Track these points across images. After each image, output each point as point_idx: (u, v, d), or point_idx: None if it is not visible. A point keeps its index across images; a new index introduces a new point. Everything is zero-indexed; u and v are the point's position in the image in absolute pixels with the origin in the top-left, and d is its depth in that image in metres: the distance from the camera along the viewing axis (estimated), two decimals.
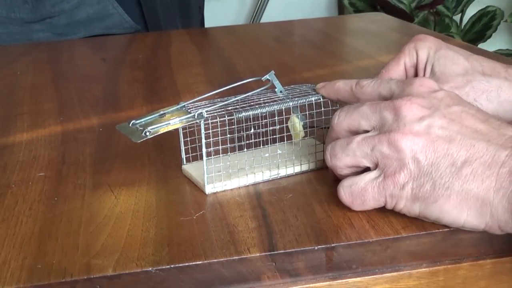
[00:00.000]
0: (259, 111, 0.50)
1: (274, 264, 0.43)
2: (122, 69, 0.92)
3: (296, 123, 0.54)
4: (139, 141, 0.49)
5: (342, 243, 0.43)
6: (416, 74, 0.56)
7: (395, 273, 0.44)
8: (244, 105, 0.51)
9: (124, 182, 0.53)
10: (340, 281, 0.44)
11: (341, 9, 2.52)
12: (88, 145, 0.62)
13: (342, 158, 0.46)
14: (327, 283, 0.44)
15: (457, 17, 2.37)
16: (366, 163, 0.45)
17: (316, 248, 0.43)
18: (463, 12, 2.37)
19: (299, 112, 0.54)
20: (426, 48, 0.55)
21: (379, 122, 0.44)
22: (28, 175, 0.56)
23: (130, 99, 0.76)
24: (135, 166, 0.56)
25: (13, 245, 0.45)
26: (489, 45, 2.28)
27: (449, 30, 2.30)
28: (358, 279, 0.44)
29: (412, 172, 0.42)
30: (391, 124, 0.43)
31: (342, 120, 0.47)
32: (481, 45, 2.23)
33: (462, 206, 0.41)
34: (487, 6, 2.32)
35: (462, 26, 2.36)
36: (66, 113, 0.72)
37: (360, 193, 0.44)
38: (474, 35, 2.32)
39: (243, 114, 0.50)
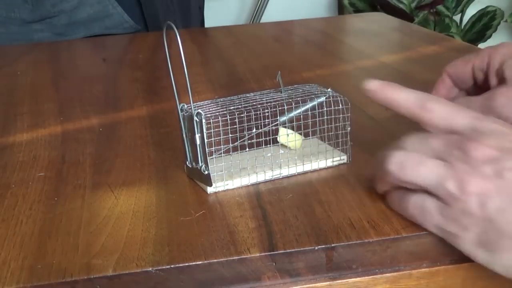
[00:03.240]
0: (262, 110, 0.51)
1: (274, 264, 0.43)
2: (122, 69, 0.92)
3: (284, 135, 0.53)
4: (213, 185, 0.50)
5: (342, 243, 0.43)
6: (485, 79, 0.54)
7: (395, 273, 0.44)
8: (246, 105, 0.51)
9: (124, 182, 0.53)
10: (340, 281, 0.44)
11: (341, 9, 2.52)
12: (88, 145, 0.62)
13: (407, 176, 0.43)
14: (327, 283, 0.44)
15: (457, 17, 2.37)
16: (424, 188, 0.42)
17: (316, 248, 0.43)
18: (463, 12, 2.37)
19: (286, 122, 0.53)
20: (501, 54, 0.53)
21: (443, 155, 0.42)
22: (28, 175, 0.56)
23: (130, 99, 0.76)
24: (135, 166, 0.56)
25: (13, 245, 0.45)
26: (489, 45, 2.28)
27: (449, 30, 2.30)
28: (358, 279, 0.44)
29: (475, 217, 0.40)
30: (456, 159, 0.41)
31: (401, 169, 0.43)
32: (481, 45, 2.23)
33: None
34: (487, 6, 2.33)
35: (462, 26, 2.36)
36: (66, 113, 0.72)
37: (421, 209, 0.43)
38: (474, 35, 2.32)
39: (245, 114, 0.50)
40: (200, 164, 0.50)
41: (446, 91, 0.58)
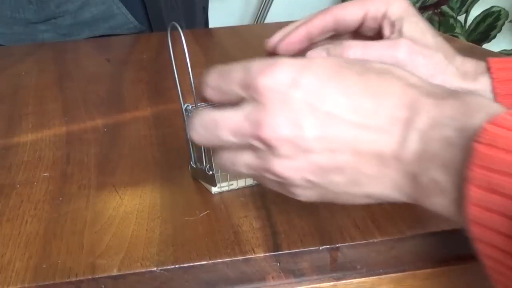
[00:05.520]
0: None
1: (278, 264, 0.43)
2: (126, 70, 0.92)
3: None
4: (217, 185, 0.50)
5: (347, 244, 0.43)
6: (378, 28, 0.53)
7: (399, 274, 0.44)
8: None
9: (129, 182, 0.53)
10: (344, 281, 0.44)
11: None
12: (93, 145, 0.62)
13: (232, 172, 0.42)
14: (332, 283, 0.44)
15: (461, 18, 2.37)
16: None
17: (320, 248, 0.43)
18: (467, 12, 2.36)
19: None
20: (400, 7, 0.52)
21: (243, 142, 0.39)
22: (33, 175, 0.56)
23: (135, 99, 0.76)
24: (139, 166, 0.56)
25: (18, 245, 0.45)
26: (494, 45, 2.28)
27: (453, 31, 2.29)
28: (363, 279, 0.44)
29: (309, 187, 0.39)
30: (265, 152, 0.38)
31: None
32: (486, 46, 2.23)
33: (369, 200, 0.39)
34: (492, 7, 2.32)
35: (467, 27, 2.35)
36: (70, 113, 0.72)
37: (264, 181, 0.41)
38: (479, 35, 2.32)
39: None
40: (204, 165, 0.50)
41: (319, 30, 0.54)
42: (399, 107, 0.36)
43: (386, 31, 0.52)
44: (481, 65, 0.52)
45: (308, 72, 0.38)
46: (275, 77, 0.38)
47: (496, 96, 0.50)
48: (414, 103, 0.36)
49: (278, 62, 0.38)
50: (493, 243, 0.32)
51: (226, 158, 0.41)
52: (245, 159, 0.40)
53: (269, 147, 0.38)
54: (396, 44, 0.49)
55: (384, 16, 0.52)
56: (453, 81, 0.50)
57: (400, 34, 0.51)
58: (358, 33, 0.54)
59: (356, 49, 0.49)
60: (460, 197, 0.33)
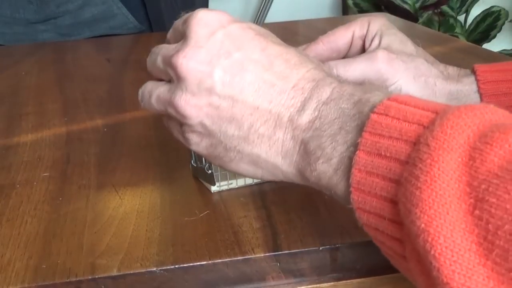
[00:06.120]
0: None
1: (278, 264, 0.43)
2: (126, 70, 0.92)
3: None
4: (216, 185, 0.51)
5: (347, 244, 0.43)
6: (363, 46, 0.55)
7: (399, 274, 0.44)
8: None
9: (129, 182, 0.53)
10: (344, 281, 0.44)
11: (345, 10, 2.52)
12: (93, 145, 0.62)
13: (148, 107, 0.46)
14: (332, 283, 0.44)
15: (461, 17, 2.37)
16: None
17: (320, 248, 0.43)
18: (467, 12, 2.36)
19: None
20: (379, 23, 0.54)
21: (168, 77, 0.43)
22: (32, 175, 0.56)
23: (135, 99, 0.76)
24: (139, 166, 0.56)
25: (18, 245, 0.45)
26: (494, 45, 2.28)
27: (453, 31, 2.29)
28: (363, 279, 0.44)
29: (202, 134, 0.41)
30: (175, 85, 0.41)
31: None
32: (486, 45, 2.23)
33: (255, 167, 0.41)
34: (492, 6, 2.32)
35: (467, 27, 2.35)
36: (70, 114, 0.72)
37: (171, 129, 0.45)
38: (479, 35, 2.32)
39: None
40: (204, 164, 0.50)
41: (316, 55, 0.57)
42: (307, 79, 0.39)
43: (367, 45, 0.54)
44: (465, 70, 0.54)
45: (240, 24, 0.41)
46: (209, 13, 0.41)
47: (482, 96, 0.51)
48: (321, 79, 0.39)
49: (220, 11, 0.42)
50: (373, 210, 0.33)
51: (150, 86, 0.45)
52: (159, 91, 0.43)
53: (178, 78, 0.40)
54: (373, 56, 0.51)
55: (366, 33, 0.54)
56: (436, 82, 0.51)
57: (379, 46, 0.53)
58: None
59: (338, 67, 0.51)
60: (344, 168, 0.35)
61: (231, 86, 0.39)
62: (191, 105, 0.40)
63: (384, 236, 0.33)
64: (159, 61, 0.43)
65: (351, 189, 0.34)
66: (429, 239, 0.28)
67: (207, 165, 0.50)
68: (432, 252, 0.28)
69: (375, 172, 0.33)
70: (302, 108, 0.38)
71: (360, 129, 0.34)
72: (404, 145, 0.32)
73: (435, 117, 0.32)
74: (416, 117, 0.32)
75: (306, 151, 0.37)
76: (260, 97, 0.39)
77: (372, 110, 0.34)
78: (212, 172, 0.50)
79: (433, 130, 0.30)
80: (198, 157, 0.51)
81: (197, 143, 0.42)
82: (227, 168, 0.42)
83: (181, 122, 0.41)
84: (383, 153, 0.33)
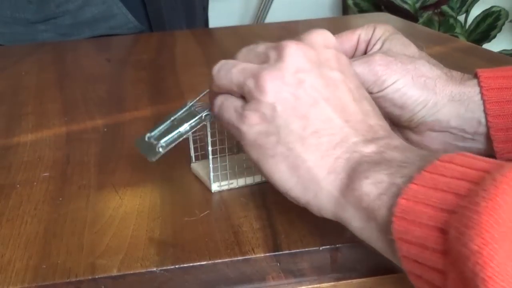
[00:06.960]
0: None
1: (278, 264, 0.42)
2: (126, 69, 0.92)
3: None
4: (154, 159, 0.49)
5: (347, 244, 0.43)
6: (366, 50, 0.56)
7: (400, 274, 0.44)
8: None
9: (129, 182, 0.53)
10: (344, 281, 0.44)
11: (345, 10, 2.52)
12: (93, 145, 0.62)
13: (221, 79, 0.44)
14: (332, 283, 0.44)
15: (461, 18, 2.37)
16: (237, 91, 0.43)
17: (320, 248, 0.43)
18: (467, 12, 2.36)
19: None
20: (384, 29, 0.55)
21: (264, 59, 0.43)
22: (33, 175, 0.56)
23: (135, 99, 0.76)
24: (139, 166, 0.56)
25: (18, 245, 0.45)
26: (494, 45, 2.28)
27: (453, 31, 2.29)
28: (363, 279, 0.44)
29: (265, 117, 0.41)
30: (271, 64, 0.42)
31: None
32: (486, 46, 2.23)
33: (293, 173, 0.40)
34: (492, 7, 2.32)
35: (467, 27, 2.35)
36: (70, 113, 0.72)
37: (223, 109, 0.44)
38: (479, 35, 2.32)
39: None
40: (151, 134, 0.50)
41: None
42: (383, 128, 0.41)
43: (368, 49, 0.55)
44: (468, 75, 0.54)
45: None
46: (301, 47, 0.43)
47: (485, 103, 0.51)
48: (392, 134, 0.41)
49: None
50: (416, 240, 0.33)
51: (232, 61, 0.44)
52: (247, 65, 0.43)
53: (279, 56, 0.42)
54: (370, 59, 0.51)
55: (372, 37, 0.55)
56: (438, 83, 0.51)
57: (379, 50, 0.53)
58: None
59: None
60: (390, 194, 0.35)
61: (320, 90, 0.41)
62: (276, 84, 0.40)
63: (424, 268, 0.33)
64: (241, 68, 0.43)
65: (394, 218, 0.33)
66: (480, 262, 0.28)
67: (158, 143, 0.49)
68: (482, 274, 0.28)
69: (425, 202, 0.32)
70: (370, 142, 0.39)
71: (420, 168, 0.34)
72: (467, 184, 0.32)
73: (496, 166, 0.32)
74: (481, 164, 0.33)
75: (356, 170, 0.38)
76: (340, 113, 0.40)
77: (437, 158, 0.34)
78: (155, 145, 0.49)
79: (502, 170, 0.30)
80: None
81: (252, 125, 0.41)
82: (262, 163, 0.41)
83: (251, 97, 0.41)
84: (439, 187, 0.32)
